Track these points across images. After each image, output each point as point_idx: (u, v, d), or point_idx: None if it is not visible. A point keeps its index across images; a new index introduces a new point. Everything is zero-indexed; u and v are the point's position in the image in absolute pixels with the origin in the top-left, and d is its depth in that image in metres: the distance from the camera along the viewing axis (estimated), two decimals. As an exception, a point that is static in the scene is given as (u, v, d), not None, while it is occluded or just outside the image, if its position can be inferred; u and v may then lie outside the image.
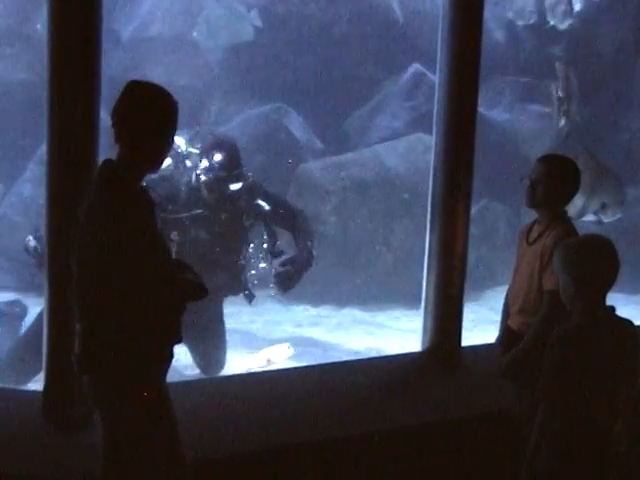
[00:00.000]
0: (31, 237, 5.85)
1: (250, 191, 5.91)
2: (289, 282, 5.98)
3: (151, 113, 3.21)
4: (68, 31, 3.96)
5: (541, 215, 4.24)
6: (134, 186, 3.23)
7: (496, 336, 4.46)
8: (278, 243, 6.05)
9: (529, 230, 4.29)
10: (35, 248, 5.78)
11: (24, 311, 7.04)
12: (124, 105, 3.21)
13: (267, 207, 5.95)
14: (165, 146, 3.28)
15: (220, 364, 6.26)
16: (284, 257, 6.03)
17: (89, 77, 3.98)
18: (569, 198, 4.23)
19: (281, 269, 5.96)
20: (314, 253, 6.05)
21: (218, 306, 6.21)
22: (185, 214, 5.70)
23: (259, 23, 9.75)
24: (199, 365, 6.23)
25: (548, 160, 4.24)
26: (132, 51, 10.19)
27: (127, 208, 3.11)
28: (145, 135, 3.20)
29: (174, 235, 5.64)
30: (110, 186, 3.16)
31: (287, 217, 6.12)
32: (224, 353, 6.31)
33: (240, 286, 6.10)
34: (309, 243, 6.05)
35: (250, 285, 6.14)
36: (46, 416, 4.20)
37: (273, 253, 6.06)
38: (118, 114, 3.21)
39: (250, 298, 6.15)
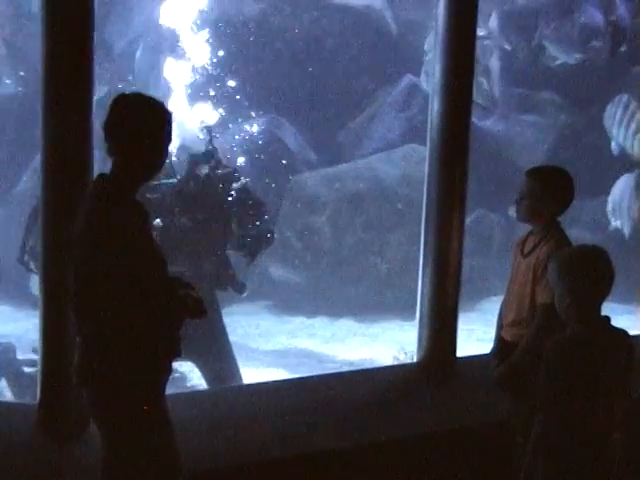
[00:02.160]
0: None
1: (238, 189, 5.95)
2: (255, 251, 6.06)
3: (141, 125, 3.17)
4: (61, 43, 3.95)
5: (535, 227, 4.22)
6: (129, 198, 3.21)
7: (491, 347, 4.46)
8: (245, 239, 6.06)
9: (524, 242, 4.28)
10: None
11: (14, 353, 6.92)
12: (114, 118, 3.18)
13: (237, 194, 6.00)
14: (159, 157, 3.25)
15: (230, 377, 6.04)
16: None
17: (82, 89, 3.97)
18: (561, 209, 4.17)
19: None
20: (275, 235, 6.18)
21: (214, 314, 6.08)
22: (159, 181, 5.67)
23: None
24: (207, 381, 6.04)
25: (533, 174, 4.19)
26: (126, 63, 10.20)
27: (124, 220, 3.10)
28: (137, 147, 3.17)
29: (157, 223, 5.62)
30: (106, 200, 3.14)
31: (255, 205, 6.11)
32: (233, 365, 6.11)
33: (227, 278, 6.02)
34: (271, 226, 6.17)
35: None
36: (41, 428, 4.18)
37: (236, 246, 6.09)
38: (109, 128, 3.19)
39: (241, 289, 6.08)
